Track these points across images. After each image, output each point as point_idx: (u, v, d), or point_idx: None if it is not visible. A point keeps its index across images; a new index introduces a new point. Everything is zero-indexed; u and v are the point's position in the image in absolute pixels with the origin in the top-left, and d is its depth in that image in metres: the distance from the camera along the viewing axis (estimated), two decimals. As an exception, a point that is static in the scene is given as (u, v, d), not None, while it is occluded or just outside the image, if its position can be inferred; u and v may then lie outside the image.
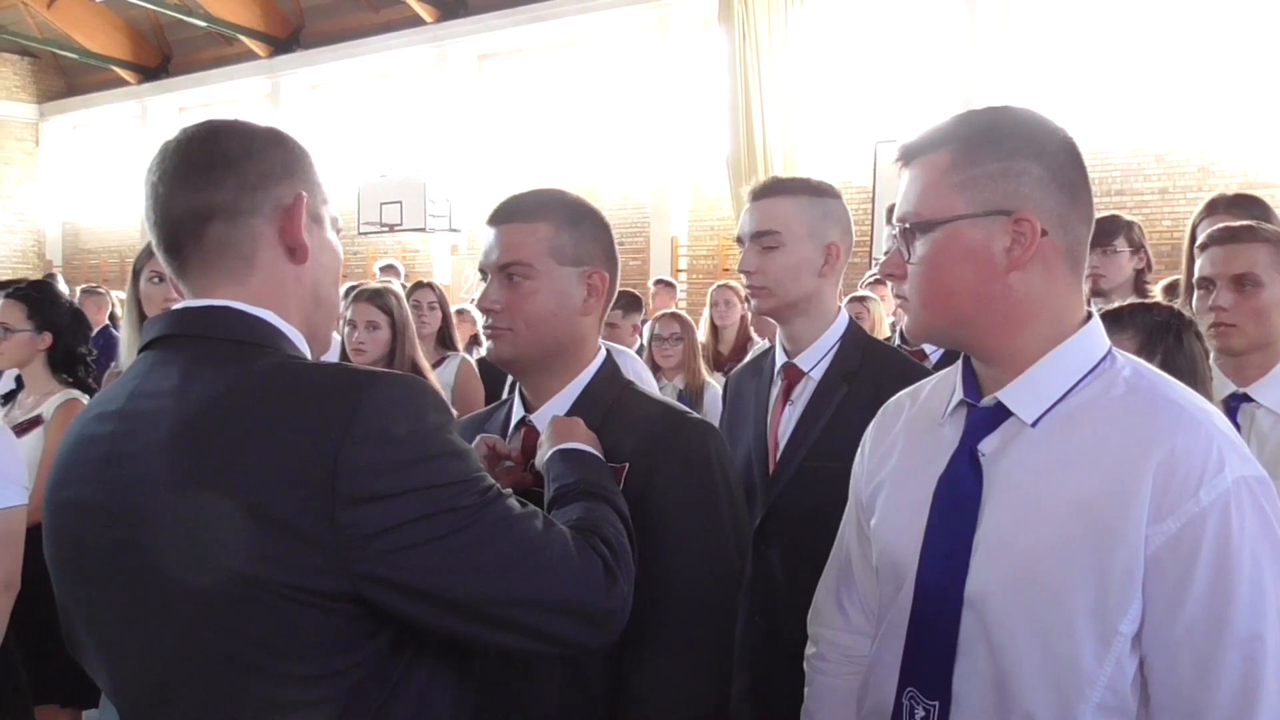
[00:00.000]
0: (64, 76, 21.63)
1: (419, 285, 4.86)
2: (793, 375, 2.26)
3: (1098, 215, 3.69)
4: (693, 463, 1.60)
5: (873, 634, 1.53)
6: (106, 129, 20.94)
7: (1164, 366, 1.55)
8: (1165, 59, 10.54)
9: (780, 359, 2.30)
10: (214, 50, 18.60)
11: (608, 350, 1.78)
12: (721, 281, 6.34)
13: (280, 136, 1.35)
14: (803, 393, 2.24)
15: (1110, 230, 3.24)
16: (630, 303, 5.37)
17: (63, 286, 11.31)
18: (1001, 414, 1.35)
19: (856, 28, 12.28)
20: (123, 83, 19.79)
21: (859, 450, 1.63)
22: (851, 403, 2.13)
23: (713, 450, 1.63)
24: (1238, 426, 2.20)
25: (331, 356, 5.14)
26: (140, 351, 1.30)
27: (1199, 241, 2.39)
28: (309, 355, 1.34)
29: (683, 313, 5.35)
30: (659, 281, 9.24)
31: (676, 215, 13.57)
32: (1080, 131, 8.27)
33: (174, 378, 1.22)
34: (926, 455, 1.43)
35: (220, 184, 1.26)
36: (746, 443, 2.31)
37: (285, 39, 17.48)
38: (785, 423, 2.24)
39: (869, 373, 2.17)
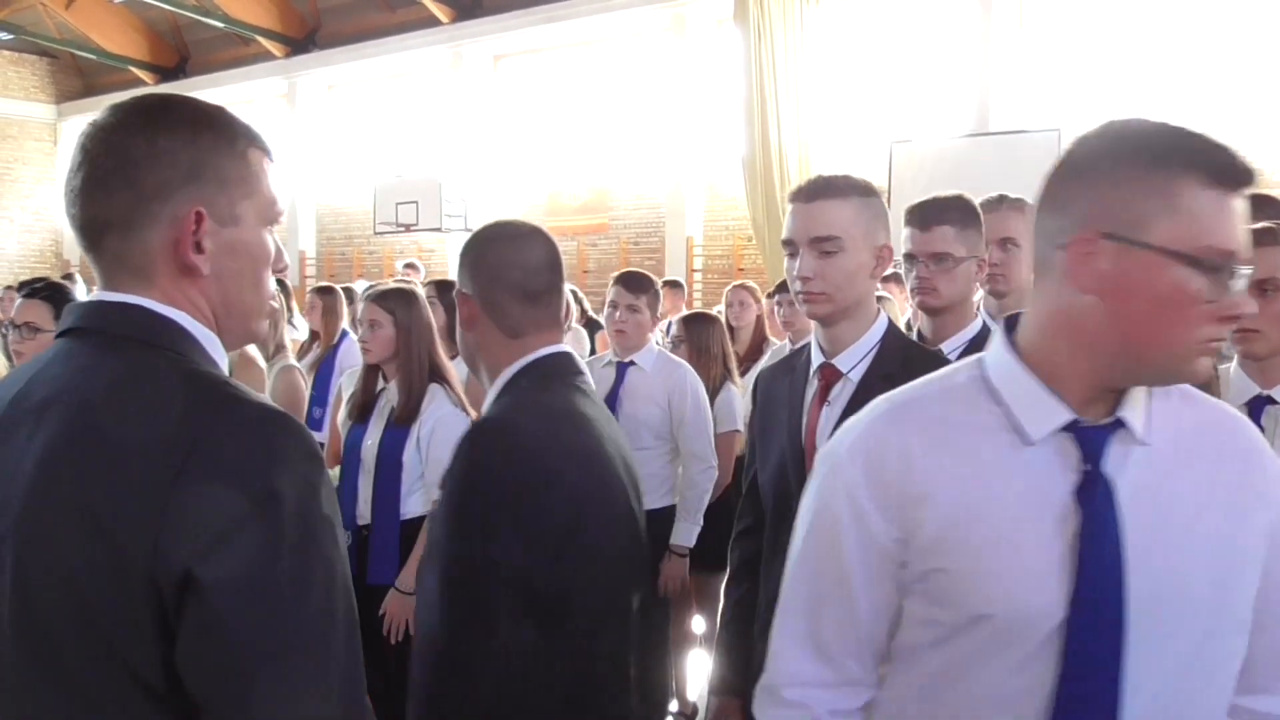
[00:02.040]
0: (82, 77, 21.75)
1: (428, 283, 4.82)
2: (830, 376, 2.24)
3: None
4: None
5: (913, 693, 1.37)
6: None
7: None
8: (1181, 60, 10.49)
9: (817, 359, 2.28)
10: (231, 51, 18.69)
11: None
12: (737, 282, 6.34)
13: (195, 129, 1.27)
14: (840, 394, 2.22)
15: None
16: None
17: (80, 285, 11.38)
18: (1107, 434, 1.30)
19: (871, 27, 12.24)
20: (140, 83, 19.87)
21: (853, 491, 1.38)
22: None
23: None
24: (1261, 429, 2.17)
25: (354, 356, 5.16)
26: (57, 337, 1.29)
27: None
28: (223, 357, 1.31)
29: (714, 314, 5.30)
30: (668, 283, 9.25)
31: (691, 215, 13.56)
32: (1097, 132, 8.01)
33: (66, 370, 1.21)
34: (1022, 484, 1.31)
35: (115, 195, 1.23)
36: (780, 443, 2.30)
37: (302, 39, 17.53)
38: (824, 424, 2.22)
39: (909, 376, 1.97)
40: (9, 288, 10.54)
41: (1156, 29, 10.65)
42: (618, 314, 4.40)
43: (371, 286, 4.44)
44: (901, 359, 2.18)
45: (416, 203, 14.01)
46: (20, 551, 1.14)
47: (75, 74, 21.76)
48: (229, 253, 1.29)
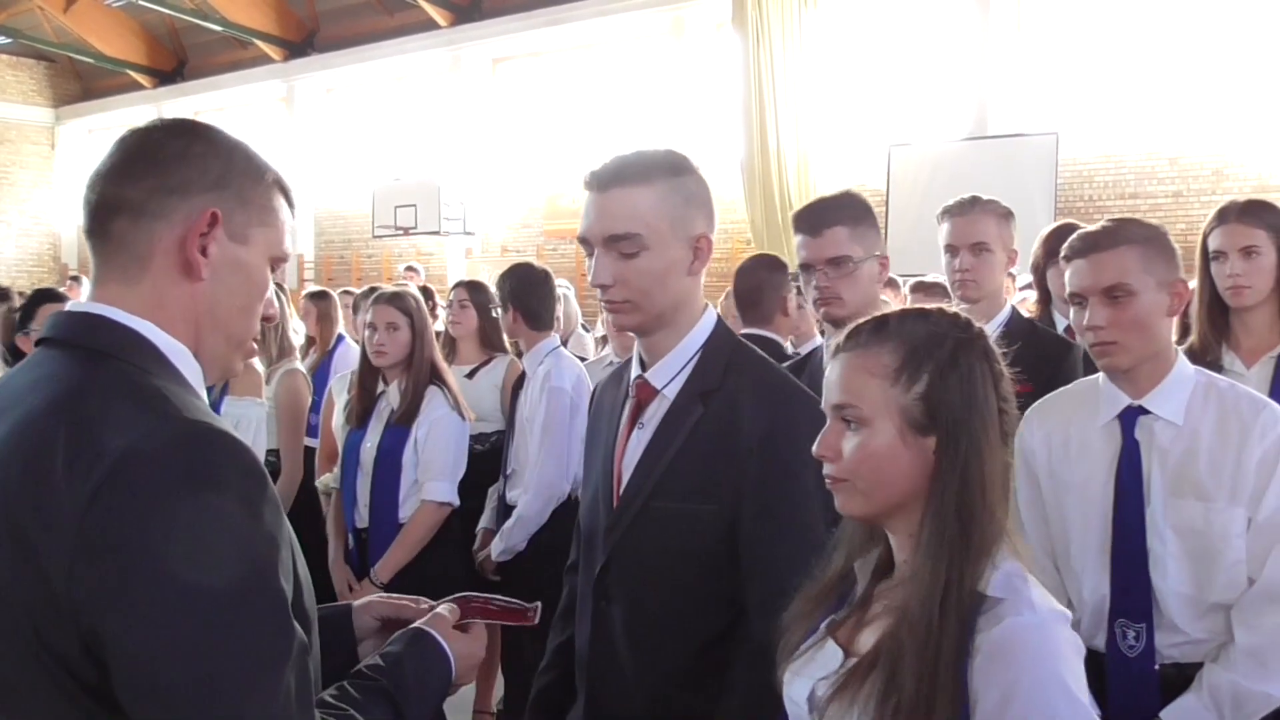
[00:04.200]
0: (80, 80, 21.72)
1: (458, 284, 4.78)
2: (644, 393, 1.89)
3: (1068, 224, 3.62)
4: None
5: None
6: (122, 133, 20.77)
7: (928, 392, 1.38)
8: (1179, 62, 10.50)
9: (635, 371, 1.93)
10: (229, 54, 18.65)
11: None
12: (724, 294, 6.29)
13: (230, 149, 1.31)
14: (655, 414, 1.88)
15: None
16: None
17: (85, 287, 11.32)
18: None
19: (869, 31, 12.25)
20: (138, 87, 19.87)
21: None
22: (705, 428, 1.80)
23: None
24: (1136, 443, 2.14)
25: (349, 361, 5.16)
26: (35, 345, 1.30)
27: (1062, 254, 2.20)
28: (195, 371, 1.29)
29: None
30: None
31: (690, 218, 13.49)
32: (1094, 135, 8.28)
33: (27, 385, 1.21)
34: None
35: (138, 181, 1.25)
36: (597, 467, 1.99)
37: (300, 43, 17.50)
38: (632, 450, 1.89)
39: (729, 390, 1.82)
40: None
41: (1154, 32, 10.66)
42: None
43: (373, 290, 4.42)
44: (723, 368, 1.85)
45: (415, 206, 13.99)
46: None
47: (73, 78, 21.73)
48: (231, 267, 1.29)
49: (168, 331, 1.26)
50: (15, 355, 3.67)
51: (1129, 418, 2.16)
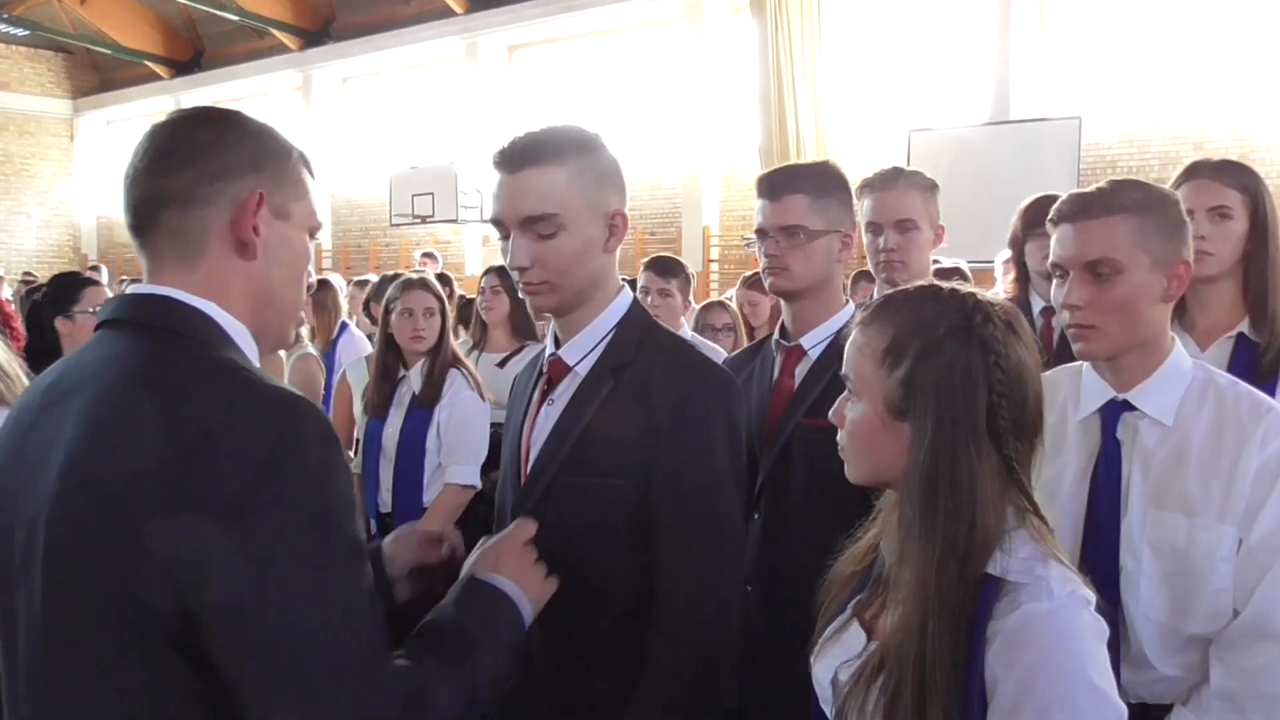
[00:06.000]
0: (98, 72, 21.80)
1: (489, 270, 4.73)
2: (556, 370, 1.88)
3: (1046, 197, 3.26)
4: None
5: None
6: (140, 124, 20.95)
7: (907, 378, 1.35)
8: (1204, 44, 10.38)
9: (549, 349, 1.91)
10: (246, 44, 18.68)
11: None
12: (741, 281, 6.23)
13: (258, 131, 1.37)
14: (566, 390, 1.86)
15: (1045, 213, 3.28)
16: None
17: (105, 274, 11.37)
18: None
19: (889, 14, 12.17)
20: (156, 77, 19.94)
21: None
22: (615, 401, 1.79)
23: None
24: (1117, 443, 1.85)
25: (354, 348, 5.16)
26: (95, 329, 1.34)
27: (1049, 216, 1.91)
28: (253, 350, 1.35)
29: (730, 303, 5.27)
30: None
31: (708, 205, 13.52)
32: (1117, 118, 8.17)
33: (96, 360, 1.26)
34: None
35: (179, 172, 1.29)
36: (508, 449, 1.98)
37: (316, 31, 17.53)
38: (540, 425, 1.88)
39: (640, 365, 1.80)
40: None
41: (1179, 13, 10.54)
42: (649, 299, 4.37)
43: (395, 275, 4.41)
44: (636, 345, 1.83)
45: (432, 194, 13.99)
46: (50, 536, 1.17)
47: (91, 69, 21.81)
48: (279, 243, 1.36)
49: (228, 311, 1.32)
50: (43, 339, 3.56)
51: (1111, 413, 1.87)
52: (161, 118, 1.39)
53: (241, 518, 1.11)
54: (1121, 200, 1.79)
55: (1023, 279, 3.44)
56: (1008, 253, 3.70)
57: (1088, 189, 1.87)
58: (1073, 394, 1.93)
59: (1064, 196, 1.89)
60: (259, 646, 1.12)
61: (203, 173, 1.29)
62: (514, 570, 1.52)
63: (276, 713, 1.13)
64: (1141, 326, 1.81)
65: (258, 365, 1.33)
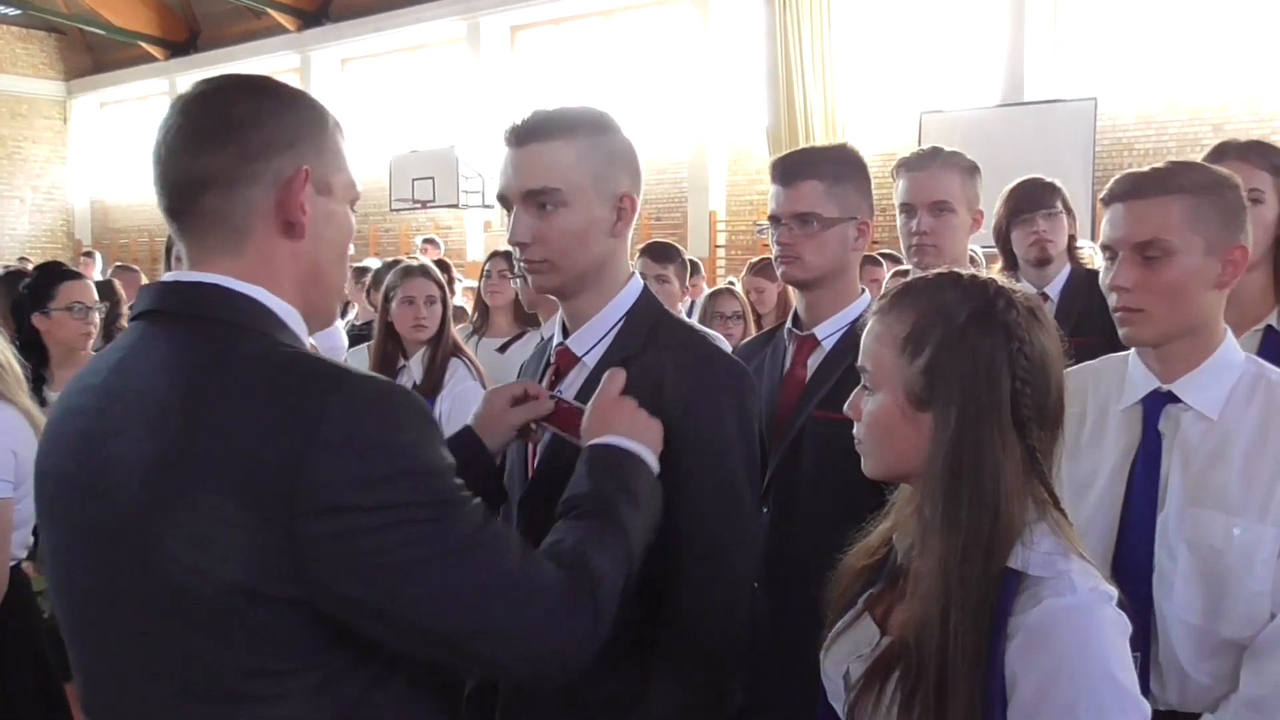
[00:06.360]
0: (91, 53, 21.57)
1: (495, 254, 4.69)
2: (565, 361, 1.84)
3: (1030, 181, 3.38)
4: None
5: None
6: (134, 106, 20.92)
7: (929, 366, 1.32)
8: (1222, 24, 10.24)
9: (557, 338, 1.87)
10: (242, 25, 18.51)
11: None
12: (749, 266, 6.09)
13: (294, 99, 1.32)
14: (574, 382, 1.81)
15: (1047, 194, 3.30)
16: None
17: (98, 262, 11.20)
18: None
19: (900, -6, 12.00)
20: (150, 59, 19.76)
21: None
22: (625, 394, 1.72)
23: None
24: (1159, 434, 1.79)
25: (334, 336, 5.03)
26: (130, 320, 1.31)
27: (1101, 195, 1.87)
28: (304, 332, 1.33)
29: (738, 290, 5.10)
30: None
31: (715, 189, 13.40)
32: (1134, 99, 7.97)
33: (153, 359, 1.23)
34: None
35: (219, 152, 1.24)
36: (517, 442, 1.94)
37: (314, 12, 17.35)
38: None
39: (651, 356, 1.75)
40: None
41: (1199, -8, 10.37)
42: None
43: (396, 262, 4.33)
44: (646, 335, 1.77)
45: (433, 179, 13.88)
46: (125, 539, 1.17)
47: (84, 50, 21.57)
48: (325, 219, 1.32)
49: (277, 295, 1.28)
50: (24, 332, 3.48)
51: (1154, 404, 1.80)
52: (157, 99, 1.20)
53: (367, 512, 1.13)
54: (1178, 180, 1.75)
55: (1011, 267, 3.44)
56: None
57: (1143, 169, 1.82)
58: (1116, 384, 1.88)
59: (1118, 177, 1.83)
60: (405, 627, 1.17)
61: (244, 151, 1.24)
62: (626, 426, 1.55)
63: (485, 660, 1.24)
64: (1191, 312, 1.76)
65: (307, 347, 1.31)
